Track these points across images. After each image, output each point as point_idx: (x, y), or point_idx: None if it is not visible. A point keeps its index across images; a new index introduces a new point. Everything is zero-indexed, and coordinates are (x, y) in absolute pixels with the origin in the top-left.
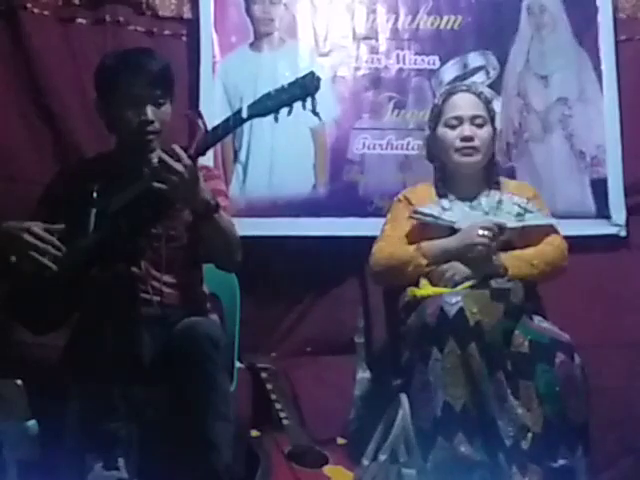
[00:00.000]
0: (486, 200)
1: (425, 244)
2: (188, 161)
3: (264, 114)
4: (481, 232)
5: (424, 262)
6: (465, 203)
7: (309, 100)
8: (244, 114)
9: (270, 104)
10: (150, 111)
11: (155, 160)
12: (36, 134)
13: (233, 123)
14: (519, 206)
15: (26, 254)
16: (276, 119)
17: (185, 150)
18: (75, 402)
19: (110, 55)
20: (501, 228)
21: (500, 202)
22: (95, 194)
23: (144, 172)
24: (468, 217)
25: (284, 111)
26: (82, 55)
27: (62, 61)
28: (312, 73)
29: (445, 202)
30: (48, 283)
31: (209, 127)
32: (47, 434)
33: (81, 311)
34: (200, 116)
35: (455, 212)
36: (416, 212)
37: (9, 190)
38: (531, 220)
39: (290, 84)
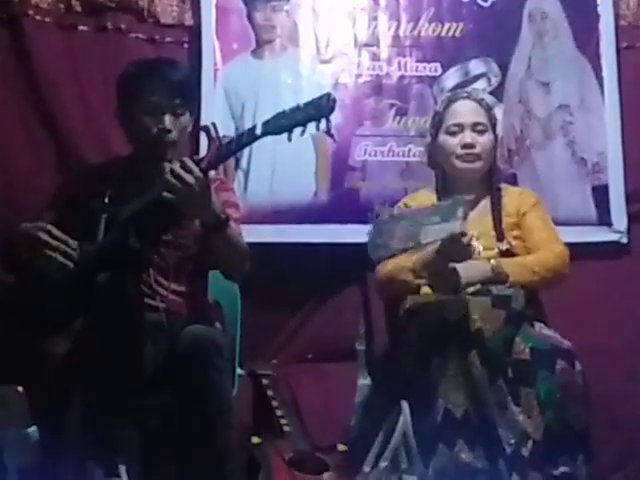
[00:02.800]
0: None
1: (416, 257)
2: (199, 173)
3: (278, 132)
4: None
5: (410, 277)
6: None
7: (323, 121)
8: (258, 131)
9: (284, 123)
10: (168, 120)
11: (167, 170)
12: (37, 141)
13: (247, 139)
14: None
15: (42, 253)
16: (289, 138)
17: (197, 163)
18: (76, 408)
19: (134, 63)
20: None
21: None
22: (107, 199)
23: (156, 181)
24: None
25: (297, 130)
26: (84, 62)
27: (64, 68)
28: (328, 94)
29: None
30: (56, 285)
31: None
32: (48, 441)
33: (85, 316)
34: (214, 129)
35: None
36: None
37: (9, 197)
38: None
39: (306, 104)
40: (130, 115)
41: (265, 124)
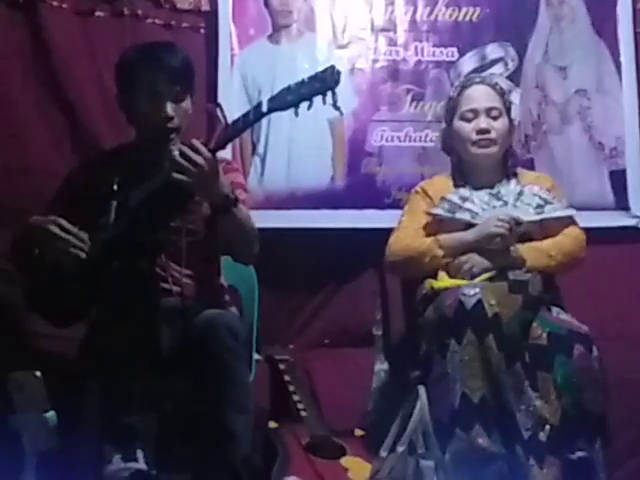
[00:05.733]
0: (505, 190)
1: (443, 236)
2: (208, 154)
3: (284, 108)
4: (499, 223)
5: (441, 254)
6: (485, 191)
7: (329, 94)
8: (264, 108)
9: (290, 98)
10: (170, 107)
11: (175, 152)
12: (54, 126)
13: (253, 117)
14: (540, 197)
15: (53, 245)
16: (296, 113)
17: (205, 144)
18: (94, 393)
19: (131, 49)
20: (518, 222)
21: (521, 193)
22: (115, 186)
23: (164, 164)
24: (487, 209)
25: (304, 105)
26: (100, 48)
27: (80, 54)
28: (332, 67)
29: (464, 191)
30: (69, 276)
31: (229, 120)
32: (66, 425)
33: (100, 303)
34: (220, 109)
35: (475, 202)
36: (431, 214)
37: (26, 182)
38: (550, 212)
39: (310, 78)
40: (131, 102)
41: (271, 100)
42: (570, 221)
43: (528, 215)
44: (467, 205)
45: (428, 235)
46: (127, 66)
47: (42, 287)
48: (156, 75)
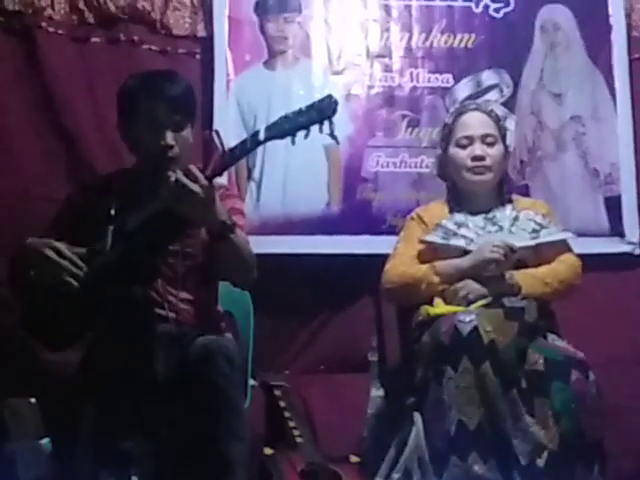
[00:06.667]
0: (501, 214)
1: (438, 263)
2: (204, 181)
3: (281, 137)
4: (494, 249)
5: (437, 280)
6: (480, 216)
7: (326, 123)
8: (261, 136)
9: (287, 127)
10: (170, 136)
11: (172, 179)
12: (51, 152)
13: (250, 145)
14: (535, 222)
15: (48, 270)
16: (293, 142)
17: (202, 170)
18: (89, 419)
19: (132, 77)
20: (513, 249)
21: (516, 219)
22: (113, 211)
23: (161, 191)
24: (482, 234)
25: (301, 133)
26: (97, 74)
27: (77, 80)
28: (330, 96)
29: (459, 216)
30: (65, 299)
31: (226, 147)
32: (61, 452)
33: (96, 328)
34: (218, 136)
35: (470, 227)
36: (425, 242)
37: (23, 207)
38: (546, 236)
39: (307, 107)
40: (131, 130)
41: (268, 129)
42: (565, 247)
43: (524, 240)
44: (462, 231)
45: (424, 262)
46: (128, 94)
47: (37, 310)
48: (156, 104)
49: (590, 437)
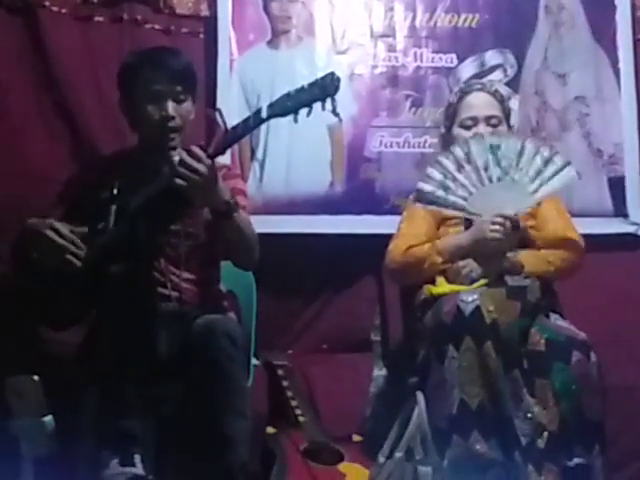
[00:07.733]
0: (506, 145)
1: (440, 241)
2: (207, 161)
3: (283, 114)
4: (493, 227)
5: (439, 260)
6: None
7: (329, 101)
8: (263, 114)
9: (289, 104)
10: (171, 106)
11: (176, 159)
12: (53, 132)
13: (253, 123)
14: (541, 157)
15: (48, 250)
16: (295, 120)
17: (204, 149)
18: (91, 398)
19: (133, 53)
20: (515, 226)
21: (522, 150)
22: (115, 191)
23: (164, 171)
24: (479, 188)
25: (303, 111)
26: (100, 53)
27: (80, 59)
28: (332, 73)
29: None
30: (67, 279)
31: (228, 126)
32: (63, 430)
33: (98, 307)
34: (220, 115)
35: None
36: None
37: (25, 187)
38: (547, 185)
39: (310, 84)
40: (133, 104)
41: (270, 106)
42: (568, 227)
43: (524, 195)
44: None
45: (427, 241)
46: (128, 69)
47: (39, 290)
48: (156, 75)
49: (590, 418)
